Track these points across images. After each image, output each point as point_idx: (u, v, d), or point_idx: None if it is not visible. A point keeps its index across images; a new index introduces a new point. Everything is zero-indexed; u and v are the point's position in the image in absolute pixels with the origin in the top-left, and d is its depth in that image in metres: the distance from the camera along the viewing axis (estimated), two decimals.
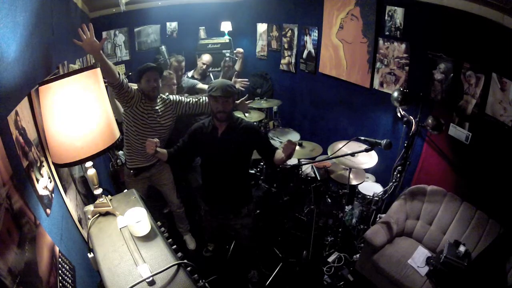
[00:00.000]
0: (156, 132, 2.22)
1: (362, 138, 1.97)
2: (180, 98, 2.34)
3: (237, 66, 3.38)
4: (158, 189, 2.56)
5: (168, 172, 2.52)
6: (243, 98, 2.34)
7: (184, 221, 2.81)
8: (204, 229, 2.61)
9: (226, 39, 4.30)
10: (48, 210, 1.09)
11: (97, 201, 1.27)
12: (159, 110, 2.22)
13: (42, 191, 1.08)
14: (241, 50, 3.38)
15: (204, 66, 3.32)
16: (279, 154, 1.90)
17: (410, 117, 2.57)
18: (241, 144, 1.94)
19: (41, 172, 1.13)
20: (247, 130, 1.96)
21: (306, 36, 3.66)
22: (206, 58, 3.33)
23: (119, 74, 1.99)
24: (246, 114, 2.40)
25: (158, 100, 2.25)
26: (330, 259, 2.63)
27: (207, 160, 2.05)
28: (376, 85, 2.97)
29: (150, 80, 2.12)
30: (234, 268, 2.56)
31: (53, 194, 1.19)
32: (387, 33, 2.72)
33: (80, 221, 1.45)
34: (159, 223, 1.25)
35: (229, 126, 1.94)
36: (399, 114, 2.70)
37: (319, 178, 2.37)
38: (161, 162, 2.41)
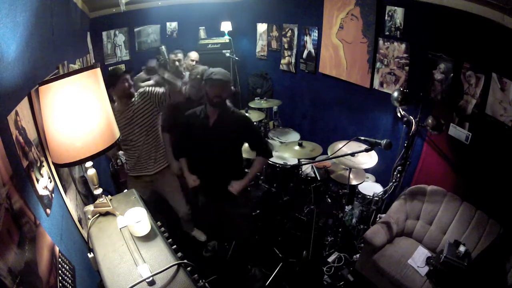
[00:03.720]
0: (142, 127, 2.18)
1: (362, 138, 1.97)
2: (158, 89, 2.26)
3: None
4: (162, 195, 2.43)
5: (171, 175, 2.40)
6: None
7: (190, 223, 2.80)
8: (203, 221, 2.60)
9: (226, 39, 4.30)
10: (48, 210, 1.09)
11: (97, 201, 1.27)
12: (135, 103, 2.17)
13: (42, 191, 1.08)
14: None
15: (194, 63, 3.27)
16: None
17: (410, 117, 2.56)
18: (231, 134, 1.97)
19: (41, 172, 1.13)
20: (239, 121, 2.00)
21: (306, 36, 3.67)
22: (194, 55, 3.29)
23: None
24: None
25: (136, 96, 2.19)
26: (330, 259, 2.63)
27: (198, 148, 2.05)
28: (376, 85, 2.97)
29: (125, 81, 2.11)
30: (235, 268, 2.56)
31: (53, 194, 1.19)
32: (387, 33, 2.72)
33: (80, 221, 1.45)
34: (159, 223, 1.25)
35: (221, 115, 1.96)
36: (399, 114, 2.70)
37: (319, 178, 2.37)
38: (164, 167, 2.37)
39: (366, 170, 2.94)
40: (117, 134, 1.23)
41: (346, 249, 2.72)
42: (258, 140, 2.04)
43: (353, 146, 2.27)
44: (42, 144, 1.22)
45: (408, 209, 2.47)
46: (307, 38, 3.67)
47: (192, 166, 2.15)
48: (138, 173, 2.31)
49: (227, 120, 1.97)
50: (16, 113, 0.97)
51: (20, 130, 0.99)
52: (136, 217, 1.13)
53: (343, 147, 2.24)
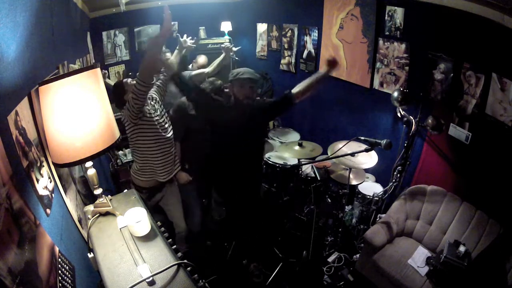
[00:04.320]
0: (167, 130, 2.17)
1: (362, 138, 1.97)
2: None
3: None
4: (164, 208, 2.36)
5: (176, 191, 2.33)
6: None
7: (183, 244, 2.48)
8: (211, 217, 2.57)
9: (226, 39, 4.30)
10: (48, 210, 1.09)
11: (97, 201, 1.27)
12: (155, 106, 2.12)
13: (42, 191, 1.08)
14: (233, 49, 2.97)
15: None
16: (303, 84, 1.95)
17: (410, 117, 2.57)
18: (259, 116, 1.97)
19: (41, 172, 1.13)
20: (260, 104, 1.98)
21: (306, 36, 3.66)
22: (201, 60, 3.21)
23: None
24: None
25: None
26: (330, 259, 2.63)
27: (226, 138, 1.98)
28: (376, 85, 2.97)
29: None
30: (234, 267, 2.56)
31: (53, 194, 1.19)
32: (387, 33, 2.72)
33: (80, 221, 1.45)
34: (159, 223, 1.25)
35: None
36: (399, 114, 2.70)
37: (319, 178, 2.37)
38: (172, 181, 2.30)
39: (366, 170, 2.93)
40: (117, 134, 1.23)
41: (346, 249, 2.72)
42: (280, 100, 2.01)
43: (353, 146, 2.27)
44: (42, 144, 1.22)
45: (408, 209, 2.47)
46: (307, 38, 3.67)
47: (217, 168, 2.12)
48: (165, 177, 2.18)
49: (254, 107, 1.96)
50: (16, 113, 0.97)
51: (20, 130, 0.99)
52: (136, 217, 1.13)
53: (343, 147, 2.24)
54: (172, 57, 2.40)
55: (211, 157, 2.18)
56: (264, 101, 2.04)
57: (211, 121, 2.04)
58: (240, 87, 1.84)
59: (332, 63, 1.89)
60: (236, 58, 4.15)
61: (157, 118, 2.04)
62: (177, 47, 2.50)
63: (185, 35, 2.53)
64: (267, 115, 2.06)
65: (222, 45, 2.87)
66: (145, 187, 2.13)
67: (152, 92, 2.14)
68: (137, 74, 1.84)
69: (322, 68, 1.93)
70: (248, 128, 1.94)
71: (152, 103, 2.08)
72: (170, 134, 2.14)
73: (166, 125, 2.13)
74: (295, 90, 2.05)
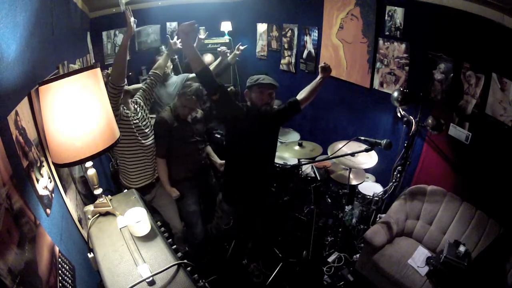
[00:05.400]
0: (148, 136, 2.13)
1: (362, 138, 1.97)
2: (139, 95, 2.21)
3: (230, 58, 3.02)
4: (158, 210, 2.36)
5: (167, 193, 2.29)
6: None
7: (182, 244, 2.48)
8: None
9: (226, 39, 4.30)
10: (48, 210, 1.09)
11: (97, 201, 1.27)
12: (137, 110, 2.10)
13: (42, 191, 1.08)
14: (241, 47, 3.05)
15: None
16: (306, 90, 2.04)
17: (410, 117, 2.57)
18: (273, 120, 1.99)
19: (41, 172, 1.13)
20: (269, 113, 1.98)
21: (306, 36, 3.66)
22: (208, 59, 3.23)
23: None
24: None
25: (131, 105, 2.08)
26: (330, 259, 2.63)
27: (248, 148, 1.94)
28: (376, 85, 2.97)
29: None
30: (234, 266, 2.57)
31: (53, 194, 1.19)
32: (387, 33, 2.72)
33: (80, 221, 1.45)
34: (159, 223, 1.25)
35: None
36: (399, 114, 2.70)
37: (319, 178, 2.37)
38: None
39: (366, 170, 2.94)
40: (117, 134, 1.23)
41: (346, 249, 2.72)
42: (287, 105, 2.02)
43: (353, 146, 2.27)
44: (42, 144, 1.22)
45: (408, 209, 2.47)
46: (307, 38, 3.67)
47: (236, 172, 2.09)
48: (144, 182, 2.19)
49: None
50: (16, 113, 0.97)
51: (20, 130, 0.99)
52: (136, 217, 1.13)
53: (343, 147, 2.24)
54: (160, 60, 2.39)
55: (227, 164, 2.16)
56: (276, 108, 2.04)
57: (230, 125, 2.00)
58: (260, 93, 1.79)
59: (326, 69, 2.05)
60: (237, 58, 4.15)
61: (136, 121, 2.03)
62: (167, 49, 2.49)
63: (175, 38, 2.50)
64: (277, 122, 2.05)
65: (218, 49, 2.87)
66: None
67: (137, 96, 2.16)
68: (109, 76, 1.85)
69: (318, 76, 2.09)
70: (262, 136, 1.93)
71: (135, 106, 2.09)
72: (149, 141, 2.12)
73: (147, 130, 2.11)
74: (299, 96, 2.08)
